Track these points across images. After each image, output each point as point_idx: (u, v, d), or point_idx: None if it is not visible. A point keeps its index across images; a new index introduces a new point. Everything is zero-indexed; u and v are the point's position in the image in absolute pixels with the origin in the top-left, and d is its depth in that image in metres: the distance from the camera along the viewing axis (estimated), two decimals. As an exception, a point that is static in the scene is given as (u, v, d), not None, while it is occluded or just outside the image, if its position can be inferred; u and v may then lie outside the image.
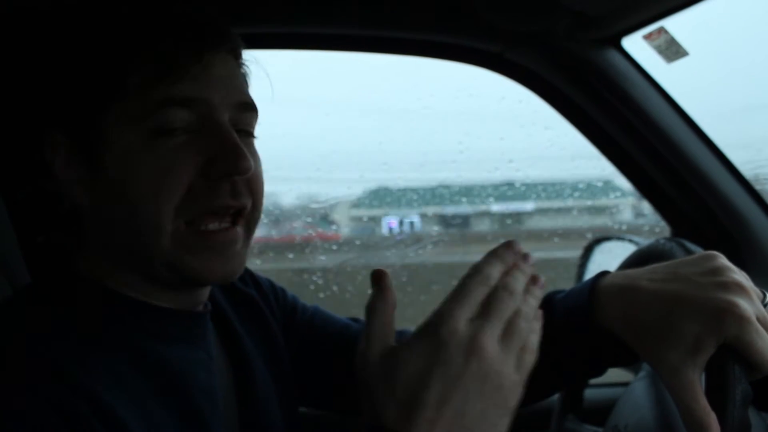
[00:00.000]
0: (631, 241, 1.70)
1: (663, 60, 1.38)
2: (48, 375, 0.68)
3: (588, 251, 1.88)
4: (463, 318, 0.64)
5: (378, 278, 0.69)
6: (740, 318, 0.73)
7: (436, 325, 0.64)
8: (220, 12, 0.84)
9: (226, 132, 0.79)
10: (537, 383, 0.78)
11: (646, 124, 1.54)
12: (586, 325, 0.87)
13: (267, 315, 1.07)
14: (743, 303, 0.74)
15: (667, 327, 0.77)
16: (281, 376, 1.03)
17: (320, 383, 1.11)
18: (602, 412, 1.29)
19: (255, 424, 0.94)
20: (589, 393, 1.40)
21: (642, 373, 1.16)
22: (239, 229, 0.83)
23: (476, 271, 0.66)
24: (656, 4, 1.29)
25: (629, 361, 0.90)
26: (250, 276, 1.11)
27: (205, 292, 0.90)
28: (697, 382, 0.74)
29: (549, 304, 0.93)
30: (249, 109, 0.85)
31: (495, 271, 0.66)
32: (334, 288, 4.00)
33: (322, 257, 4.05)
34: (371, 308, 0.68)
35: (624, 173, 1.69)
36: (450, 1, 1.40)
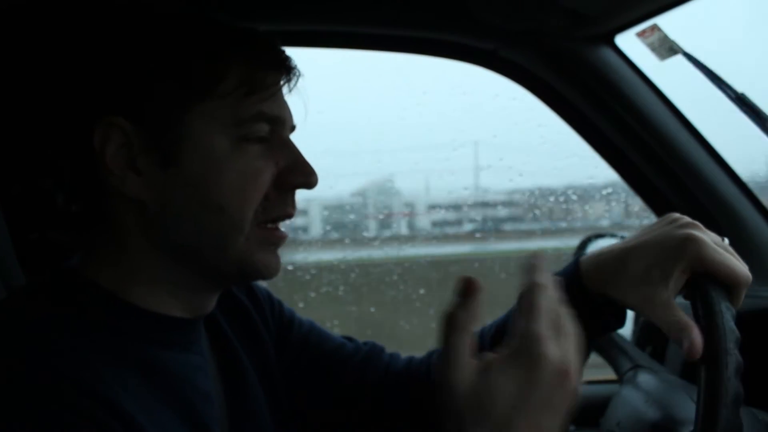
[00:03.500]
0: (623, 238, 1.70)
1: (656, 57, 1.38)
2: (66, 382, 0.68)
3: (581, 248, 1.88)
4: (549, 339, 0.66)
5: (468, 287, 0.67)
6: (697, 240, 0.84)
7: (527, 349, 0.65)
8: (219, 10, 0.85)
9: (296, 149, 0.88)
10: None
11: (639, 121, 1.54)
12: (576, 290, 0.94)
13: (259, 324, 1.07)
14: (698, 232, 0.86)
15: (640, 269, 0.88)
16: (271, 383, 1.03)
17: (312, 400, 1.11)
18: (595, 409, 1.30)
19: (245, 428, 0.95)
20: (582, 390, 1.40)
21: (631, 373, 1.17)
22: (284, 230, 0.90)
23: (539, 287, 0.68)
24: (649, 2, 1.30)
25: (615, 325, 0.99)
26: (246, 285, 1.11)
27: (216, 297, 0.91)
28: (672, 300, 0.84)
29: None
30: (293, 131, 0.92)
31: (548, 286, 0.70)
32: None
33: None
34: (454, 325, 0.66)
35: (617, 170, 1.69)
36: (444, -2, 1.40)
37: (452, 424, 0.65)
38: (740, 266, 0.86)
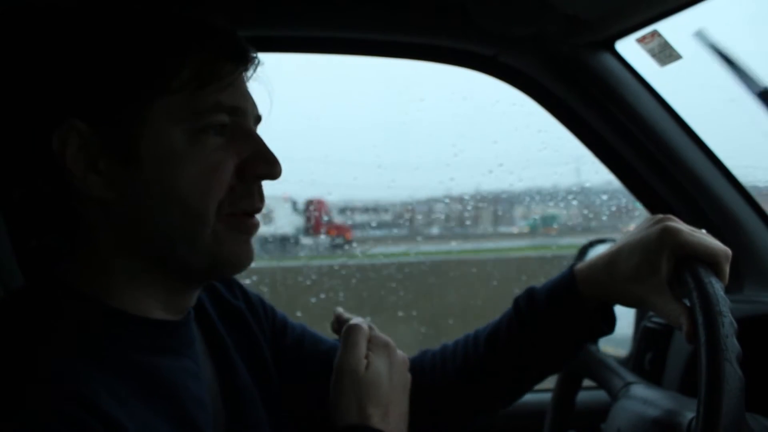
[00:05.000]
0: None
1: (656, 63, 1.38)
2: (54, 390, 0.68)
3: (582, 254, 1.88)
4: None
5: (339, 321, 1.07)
6: (673, 229, 0.93)
7: (383, 344, 1.02)
8: (216, 14, 0.85)
9: (258, 139, 0.87)
10: (527, 371, 1.10)
11: (639, 126, 1.54)
12: (572, 297, 1.03)
13: (254, 328, 1.07)
14: (672, 222, 0.95)
15: (630, 268, 0.97)
16: (267, 386, 1.04)
17: (308, 402, 1.11)
18: (594, 415, 1.30)
19: (242, 431, 0.95)
20: (582, 395, 1.40)
21: (624, 390, 1.17)
22: (258, 218, 0.89)
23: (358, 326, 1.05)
24: (649, 8, 1.30)
25: (607, 330, 1.06)
26: (240, 290, 1.11)
27: (195, 295, 0.91)
28: (665, 289, 0.93)
29: (530, 290, 1.10)
30: (259, 122, 0.91)
31: None
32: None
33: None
34: (358, 330, 1.02)
35: (617, 175, 1.69)
36: (444, 4, 1.40)
37: (353, 405, 0.93)
38: (717, 243, 0.93)
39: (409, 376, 1.03)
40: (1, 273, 1.07)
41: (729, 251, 0.93)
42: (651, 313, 1.61)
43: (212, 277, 0.97)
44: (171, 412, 0.79)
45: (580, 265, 1.06)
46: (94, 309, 0.80)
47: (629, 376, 1.22)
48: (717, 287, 0.86)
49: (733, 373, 0.78)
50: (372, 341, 1.01)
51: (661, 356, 1.55)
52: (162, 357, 0.83)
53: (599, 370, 1.28)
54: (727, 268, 0.93)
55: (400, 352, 1.03)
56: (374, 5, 1.42)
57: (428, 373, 1.12)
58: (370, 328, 1.04)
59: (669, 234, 0.93)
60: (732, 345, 0.80)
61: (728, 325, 0.82)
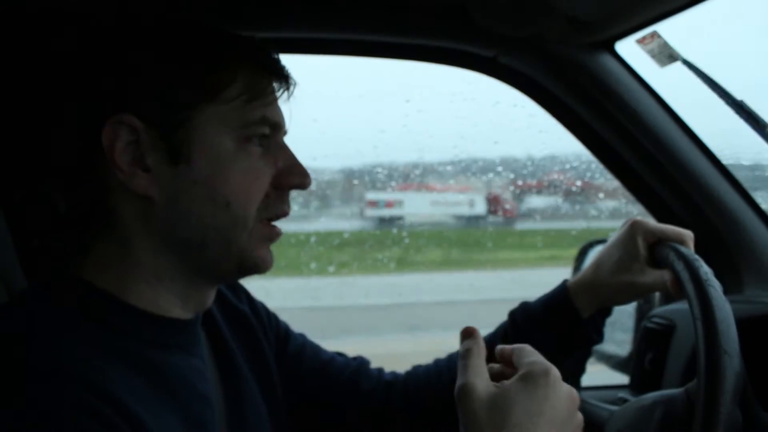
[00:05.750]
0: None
1: (656, 64, 1.39)
2: (73, 382, 0.69)
3: (582, 254, 1.88)
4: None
5: (470, 333, 0.81)
6: (640, 221, 1.10)
7: (543, 371, 0.76)
8: (221, 17, 0.87)
9: (291, 153, 0.94)
10: None
11: (639, 127, 1.54)
12: (567, 308, 1.11)
13: (258, 333, 1.09)
14: (638, 218, 1.12)
15: (612, 263, 1.11)
16: (270, 391, 1.06)
17: (310, 409, 1.14)
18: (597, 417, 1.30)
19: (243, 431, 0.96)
20: (583, 395, 1.40)
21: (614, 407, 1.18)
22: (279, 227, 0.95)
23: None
24: (649, 9, 1.30)
25: (597, 339, 1.15)
26: (246, 295, 1.14)
27: (213, 294, 0.94)
28: (646, 268, 1.08)
29: (524, 303, 1.17)
30: (285, 135, 0.97)
31: None
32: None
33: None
34: (468, 351, 0.78)
35: (617, 176, 1.70)
36: (444, 5, 1.41)
37: (472, 428, 0.72)
38: (681, 228, 1.09)
39: (578, 420, 0.80)
40: (3, 273, 1.08)
41: (691, 233, 1.09)
42: (651, 314, 1.61)
43: (238, 277, 1.01)
44: (178, 408, 0.81)
45: (571, 280, 1.15)
46: (109, 305, 0.81)
47: (613, 407, 1.22)
48: (696, 256, 0.99)
49: (718, 297, 0.89)
50: (526, 372, 0.78)
51: (662, 356, 1.55)
52: (172, 354, 0.85)
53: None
54: (692, 246, 1.07)
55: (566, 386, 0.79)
56: (374, 7, 1.42)
57: (423, 387, 1.15)
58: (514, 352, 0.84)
59: (637, 224, 1.10)
60: (713, 279, 0.92)
61: (706, 267, 0.95)
